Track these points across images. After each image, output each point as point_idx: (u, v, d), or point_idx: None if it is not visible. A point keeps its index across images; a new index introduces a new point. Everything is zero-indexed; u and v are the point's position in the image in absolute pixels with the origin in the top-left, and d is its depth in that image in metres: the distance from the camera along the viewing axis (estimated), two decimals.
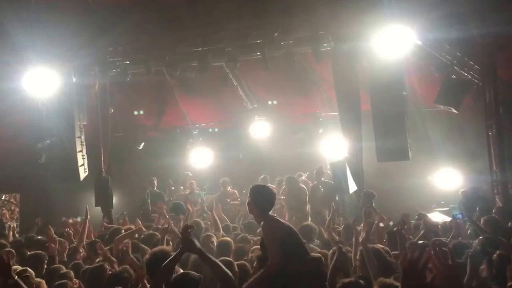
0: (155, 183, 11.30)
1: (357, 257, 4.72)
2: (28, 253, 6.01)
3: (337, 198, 9.56)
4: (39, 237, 7.15)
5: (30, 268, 4.89)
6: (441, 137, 10.17)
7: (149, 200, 10.92)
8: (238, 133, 12.39)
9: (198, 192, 11.47)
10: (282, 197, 10.11)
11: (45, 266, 5.63)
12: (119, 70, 10.37)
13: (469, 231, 6.61)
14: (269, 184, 10.88)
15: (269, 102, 12.12)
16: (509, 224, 6.51)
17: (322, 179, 10.19)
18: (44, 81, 9.73)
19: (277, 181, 10.96)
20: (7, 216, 13.18)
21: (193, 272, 3.85)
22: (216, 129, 13.31)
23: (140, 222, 7.39)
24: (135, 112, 12.96)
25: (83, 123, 10.76)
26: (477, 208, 7.82)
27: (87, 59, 10.18)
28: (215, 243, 6.00)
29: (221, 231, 7.46)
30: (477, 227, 6.24)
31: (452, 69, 9.63)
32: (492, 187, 8.69)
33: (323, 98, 11.80)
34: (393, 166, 9.66)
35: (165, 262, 3.77)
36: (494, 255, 4.40)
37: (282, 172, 10.71)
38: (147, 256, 4.49)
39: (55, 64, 9.78)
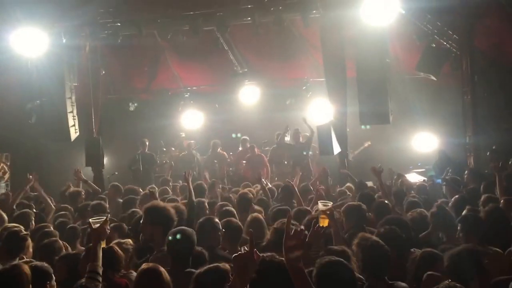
0: (147, 144, 11.45)
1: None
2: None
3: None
4: None
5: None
6: (420, 102, 10.72)
7: (140, 162, 11.18)
8: (229, 96, 12.68)
9: (195, 152, 11.87)
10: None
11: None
12: (110, 31, 10.39)
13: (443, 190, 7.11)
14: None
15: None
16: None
17: (301, 140, 10.86)
18: (32, 41, 9.62)
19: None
20: None
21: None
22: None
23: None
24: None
25: (74, 84, 10.81)
26: (448, 169, 8.36)
27: (77, 20, 10.11)
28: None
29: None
30: (451, 186, 6.85)
31: (433, 38, 10.10)
32: (465, 150, 9.40)
33: (310, 64, 12.15)
34: (374, 130, 10.24)
35: None
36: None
37: (269, 135, 11.12)
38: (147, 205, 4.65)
39: (44, 24, 9.68)
